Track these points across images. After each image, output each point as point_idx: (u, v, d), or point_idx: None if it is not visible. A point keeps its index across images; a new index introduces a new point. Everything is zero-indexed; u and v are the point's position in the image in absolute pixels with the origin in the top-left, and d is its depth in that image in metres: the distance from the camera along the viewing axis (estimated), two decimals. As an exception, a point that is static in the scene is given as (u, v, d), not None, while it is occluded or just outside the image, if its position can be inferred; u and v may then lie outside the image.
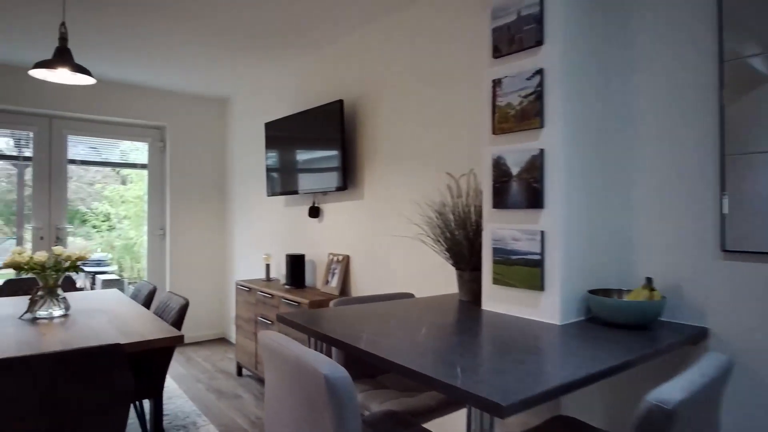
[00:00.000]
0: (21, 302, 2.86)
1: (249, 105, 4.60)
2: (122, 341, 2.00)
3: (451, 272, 2.46)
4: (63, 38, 2.64)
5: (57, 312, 2.51)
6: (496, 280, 1.79)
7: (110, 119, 4.52)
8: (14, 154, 4.28)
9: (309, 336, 1.59)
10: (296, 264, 3.49)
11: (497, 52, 1.81)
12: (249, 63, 3.88)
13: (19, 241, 4.24)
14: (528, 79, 1.69)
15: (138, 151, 5.00)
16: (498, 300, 1.79)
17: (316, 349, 1.82)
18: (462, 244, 2.00)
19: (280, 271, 3.98)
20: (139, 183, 5.96)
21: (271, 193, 3.92)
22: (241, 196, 4.73)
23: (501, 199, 1.77)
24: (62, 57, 2.57)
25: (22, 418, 1.58)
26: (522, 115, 1.71)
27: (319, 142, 3.34)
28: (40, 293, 2.51)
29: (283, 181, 3.79)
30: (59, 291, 2.57)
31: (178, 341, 2.11)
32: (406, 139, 2.80)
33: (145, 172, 4.88)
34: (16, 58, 3.78)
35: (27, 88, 4.04)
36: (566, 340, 1.40)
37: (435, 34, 2.62)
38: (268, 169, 3.95)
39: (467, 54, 2.44)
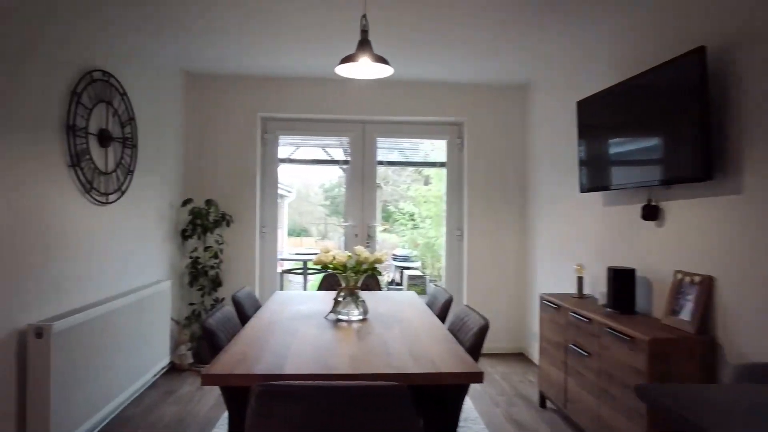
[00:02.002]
0: (331, 298, 2.93)
1: (554, 86, 3.90)
2: (411, 369, 1.63)
3: None
4: (364, 30, 2.53)
5: (355, 315, 2.40)
6: None
7: (411, 119, 4.53)
8: (343, 158, 4.78)
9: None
10: (623, 281, 2.63)
11: None
12: (550, 36, 3.19)
13: (348, 237, 4.63)
14: None
15: (438, 150, 4.94)
16: None
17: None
18: None
19: (596, 288, 3.15)
20: (438, 183, 6.01)
21: (586, 188, 3.14)
22: (545, 194, 4.08)
23: None
24: (363, 48, 2.46)
25: (303, 453, 1.34)
26: None
27: (660, 113, 2.40)
28: (342, 294, 2.46)
29: (601, 172, 2.97)
30: (359, 293, 2.47)
31: (475, 379, 1.62)
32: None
33: (444, 172, 4.75)
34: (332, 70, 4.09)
35: (347, 97, 4.37)
36: None
37: None
38: (582, 159, 3.17)
39: None
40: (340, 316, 2.40)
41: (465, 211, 4.54)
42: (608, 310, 2.67)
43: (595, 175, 3.03)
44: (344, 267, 2.37)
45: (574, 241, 3.53)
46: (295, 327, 2.22)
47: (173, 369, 3.86)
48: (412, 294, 3.18)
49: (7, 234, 2.15)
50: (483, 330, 1.99)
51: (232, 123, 4.32)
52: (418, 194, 6.75)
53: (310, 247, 7.81)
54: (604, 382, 2.43)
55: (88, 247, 2.77)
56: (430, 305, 2.87)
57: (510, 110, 4.52)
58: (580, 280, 3.13)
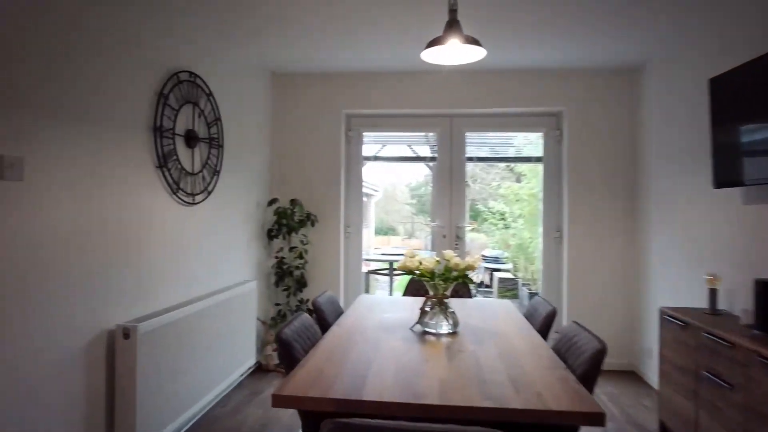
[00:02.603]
0: (417, 306, 2.71)
1: (675, 65, 3.35)
2: (514, 403, 1.35)
3: None
4: (453, 10, 2.27)
5: (444, 328, 2.15)
6: None
7: (504, 111, 4.17)
8: (428, 155, 4.60)
9: None
10: (776, 297, 2.12)
11: None
12: (672, 5, 2.70)
13: (435, 237, 4.40)
14: None
15: (531, 145, 4.53)
16: None
17: None
18: None
19: (734, 303, 2.63)
20: (533, 180, 5.55)
21: (720, 183, 2.62)
22: (662, 191, 3.54)
23: None
24: (452, 29, 2.19)
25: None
26: None
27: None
28: (429, 304, 2.22)
29: (741, 163, 2.45)
30: (448, 303, 2.21)
31: (594, 421, 1.31)
32: None
33: (539, 168, 4.33)
34: (417, 63, 3.86)
35: (433, 90, 4.12)
36: None
37: None
38: (716, 148, 2.66)
39: None
40: (428, 329, 2.16)
41: (565, 211, 4.09)
42: (756, 332, 2.17)
43: (734, 168, 2.51)
44: (432, 274, 2.13)
45: (703, 246, 2.99)
46: (378, 339, 2.02)
47: (259, 369, 3.86)
48: (507, 303, 2.86)
49: (97, 234, 2.17)
50: (599, 355, 1.65)
51: (316, 121, 4.25)
52: (509, 192, 6.32)
53: (397, 246, 7.65)
54: (754, 424, 1.96)
55: (176, 247, 2.78)
56: (528, 317, 2.54)
57: (617, 97, 4.00)
58: (713, 293, 2.62)
